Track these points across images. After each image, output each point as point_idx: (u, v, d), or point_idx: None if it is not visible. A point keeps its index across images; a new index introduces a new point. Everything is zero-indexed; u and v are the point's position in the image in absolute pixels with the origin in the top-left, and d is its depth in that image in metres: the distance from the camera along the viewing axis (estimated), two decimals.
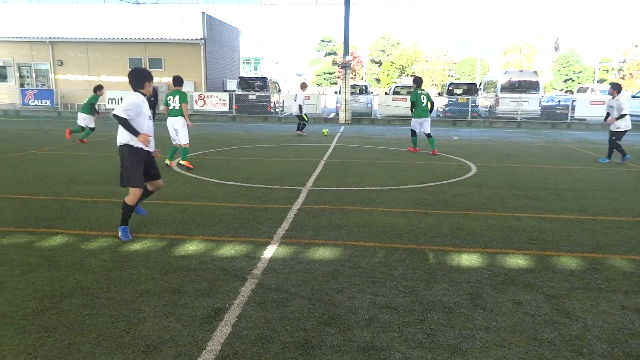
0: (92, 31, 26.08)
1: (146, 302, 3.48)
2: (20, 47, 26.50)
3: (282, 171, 8.96)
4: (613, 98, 10.62)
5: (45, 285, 3.73)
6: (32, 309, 3.35)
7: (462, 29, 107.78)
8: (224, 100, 24.40)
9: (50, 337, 2.98)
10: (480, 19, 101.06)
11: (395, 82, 51.37)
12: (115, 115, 4.68)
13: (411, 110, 11.95)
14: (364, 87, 26.28)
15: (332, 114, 25.29)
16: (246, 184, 7.71)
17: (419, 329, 3.18)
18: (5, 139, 13.97)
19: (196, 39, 25.69)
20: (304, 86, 16.32)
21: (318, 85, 66.52)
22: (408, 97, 24.28)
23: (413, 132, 12.14)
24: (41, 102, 25.56)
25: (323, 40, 76.61)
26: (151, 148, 5.03)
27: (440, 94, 27.48)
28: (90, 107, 12.94)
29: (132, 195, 4.85)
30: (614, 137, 10.66)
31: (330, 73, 69.58)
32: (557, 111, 23.93)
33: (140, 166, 4.90)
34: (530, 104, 22.79)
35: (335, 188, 7.52)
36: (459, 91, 25.25)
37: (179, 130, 9.20)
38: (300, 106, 15.86)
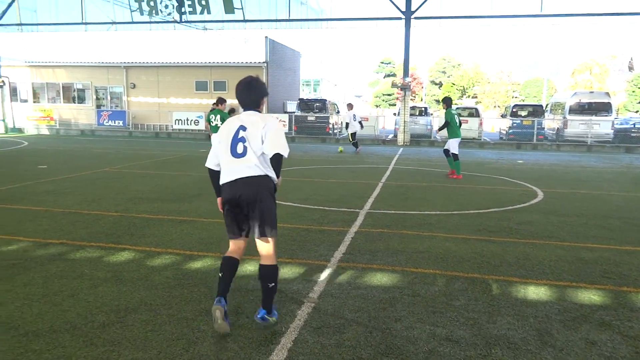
0: (162, 56, 27.57)
1: (205, 321, 3.54)
2: (97, 72, 28.44)
3: (340, 193, 8.95)
4: None
5: (112, 300, 3.89)
6: (100, 322, 3.49)
7: (526, 49, 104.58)
8: (284, 122, 24.91)
9: (115, 351, 3.08)
10: (546, 38, 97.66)
11: (456, 104, 50.50)
12: (281, 156, 3.46)
13: (440, 129, 11.79)
14: (423, 109, 26.00)
15: (391, 136, 25.14)
16: (304, 205, 7.76)
17: None
18: (82, 156, 14.93)
19: (259, 63, 26.52)
20: (350, 106, 17.05)
21: (377, 106, 66.55)
22: (469, 119, 23.82)
23: (455, 156, 11.37)
24: (114, 123, 27.19)
25: (382, 62, 76.84)
26: None
27: (503, 116, 26.67)
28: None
29: (276, 247, 3.56)
30: None
31: (389, 94, 69.50)
32: (632, 134, 22.52)
33: None
34: (601, 126, 21.58)
35: (393, 211, 7.41)
36: (523, 113, 24.40)
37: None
38: (347, 124, 16.83)
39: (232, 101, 25.21)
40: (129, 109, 27.75)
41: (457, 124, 11.38)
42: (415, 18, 22.11)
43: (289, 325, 3.48)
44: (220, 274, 3.44)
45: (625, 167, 14.85)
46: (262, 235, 3.42)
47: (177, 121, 26.22)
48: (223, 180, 3.43)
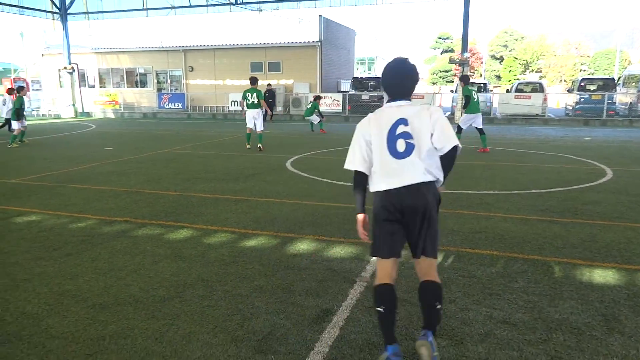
0: (218, 39, 28.07)
1: (259, 297, 3.61)
2: (158, 56, 29.41)
3: None
4: None
5: (172, 275, 4.05)
6: (160, 296, 3.64)
7: (598, 18, 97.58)
8: (338, 101, 24.79)
9: (174, 324, 3.21)
10: (620, 4, 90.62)
11: (518, 79, 48.22)
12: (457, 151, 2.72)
13: (464, 107, 11.77)
14: (482, 85, 25.02)
15: (448, 113, 24.44)
16: None
17: (541, 349, 2.89)
18: (144, 138, 15.58)
19: (313, 42, 26.41)
20: None
21: (433, 83, 64.77)
22: (532, 95, 22.70)
23: (461, 130, 11.79)
24: (174, 105, 28.15)
25: (440, 38, 74.44)
26: None
27: (570, 91, 25.21)
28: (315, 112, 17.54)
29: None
30: None
31: (446, 71, 67.42)
32: None
33: None
34: None
35: (449, 191, 7.21)
36: (592, 87, 22.93)
37: (256, 119, 11.91)
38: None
39: (285, 81, 25.23)
40: (188, 92, 28.57)
41: (474, 100, 11.50)
42: None
43: (341, 304, 3.49)
44: (380, 309, 2.64)
45: None
46: (430, 255, 2.71)
47: (233, 102, 26.75)
48: (380, 187, 2.71)
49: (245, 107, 12.00)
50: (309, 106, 18.41)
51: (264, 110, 12.26)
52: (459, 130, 11.78)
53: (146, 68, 29.84)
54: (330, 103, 24.86)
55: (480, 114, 11.67)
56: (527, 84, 25.22)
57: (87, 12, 28.62)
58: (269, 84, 24.61)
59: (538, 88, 23.66)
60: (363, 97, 24.58)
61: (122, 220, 5.70)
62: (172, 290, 3.75)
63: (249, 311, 3.39)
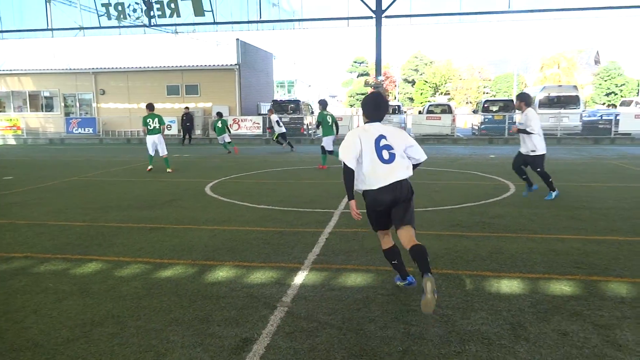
0: (132, 61, 27.16)
1: (175, 331, 3.43)
2: (65, 78, 27.79)
3: (314, 193, 8.90)
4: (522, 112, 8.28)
5: (78, 314, 3.75)
6: (63, 338, 3.35)
7: (497, 45, 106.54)
8: (258, 124, 24.74)
9: None
10: (516, 34, 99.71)
11: (429, 101, 50.98)
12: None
13: (317, 128, 13.07)
14: (397, 107, 26.18)
15: None
16: (278, 207, 7.68)
17: None
18: (50, 166, 14.53)
19: (231, 65, 26.30)
20: (271, 112, 19.04)
21: (351, 106, 66.77)
22: (442, 116, 24.08)
23: (331, 152, 12.67)
24: (84, 130, 26.61)
25: (355, 62, 77.14)
26: None
27: (475, 112, 27.04)
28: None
29: None
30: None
31: (363, 94, 69.79)
32: (600, 126, 23.11)
33: None
34: (570, 119, 22.13)
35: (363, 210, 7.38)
36: (494, 108, 24.78)
37: (158, 144, 12.39)
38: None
39: (203, 104, 24.76)
40: (99, 116, 27.19)
41: (330, 124, 12.68)
42: (386, 17, 22.25)
43: (261, 332, 3.40)
44: (393, 262, 4.10)
45: (594, 158, 15.19)
46: (411, 224, 3.81)
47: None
48: (374, 185, 3.75)
49: (145, 134, 12.54)
50: (219, 125, 17.90)
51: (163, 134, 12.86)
52: (330, 152, 12.67)
53: (52, 91, 28.06)
54: (251, 126, 24.76)
55: (333, 136, 12.80)
56: (437, 105, 26.74)
57: None
58: (187, 107, 24.09)
59: (447, 109, 25.16)
60: (283, 119, 24.73)
61: (21, 256, 5.22)
62: (77, 330, 3.47)
63: (163, 346, 3.21)
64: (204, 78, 26.68)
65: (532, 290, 4.13)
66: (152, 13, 24.06)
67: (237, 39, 26.51)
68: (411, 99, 69.38)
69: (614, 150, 17.75)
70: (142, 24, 24.77)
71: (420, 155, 3.91)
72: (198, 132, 25.50)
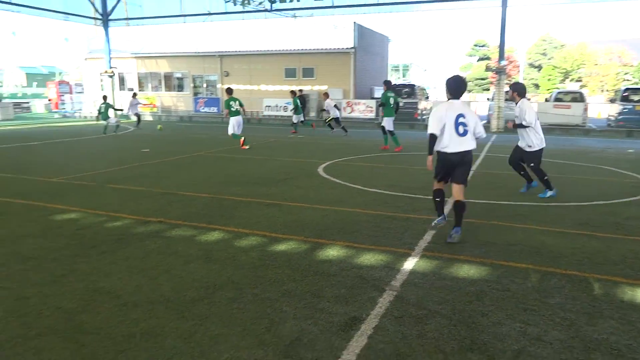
0: (254, 44, 28.45)
1: (287, 302, 3.60)
2: (195, 61, 30.01)
3: (426, 180, 8.67)
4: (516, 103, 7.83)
5: (202, 277, 4.09)
6: (190, 297, 3.69)
7: None
8: (371, 107, 24.69)
9: (203, 325, 3.24)
10: None
11: (557, 88, 47.01)
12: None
13: (381, 110, 13.48)
14: None
15: (483, 122, 24.01)
16: (389, 192, 7.64)
17: None
18: (180, 141, 15.89)
19: (347, 48, 26.42)
20: (326, 95, 18.83)
21: (469, 91, 63.83)
22: (572, 104, 22.07)
23: (392, 132, 13.08)
24: (209, 109, 28.61)
25: (476, 45, 73.35)
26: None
27: (612, 101, 24.36)
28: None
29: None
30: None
31: (482, 79, 66.37)
32: None
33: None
34: None
35: (483, 201, 7.07)
36: (636, 97, 22.08)
37: (239, 125, 13.50)
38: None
39: (319, 87, 25.17)
40: (223, 96, 29.01)
41: (392, 105, 12.86)
42: None
43: (370, 312, 3.44)
44: (437, 200, 5.36)
45: None
46: (463, 183, 5.13)
47: (267, 107, 27.03)
48: (447, 149, 5.03)
49: (228, 115, 13.49)
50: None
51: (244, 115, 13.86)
52: (392, 134, 13.09)
53: (183, 72, 30.48)
54: (364, 109, 24.80)
55: (393, 117, 13.14)
56: (567, 93, 24.53)
57: (128, 18, 29.47)
58: (300, 90, 24.75)
59: (578, 97, 22.96)
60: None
61: (156, 221, 5.81)
62: (202, 291, 3.79)
63: (277, 315, 3.39)
64: (320, 61, 27.15)
65: None
66: None
67: (355, 22, 26.50)
68: (536, 86, 64.40)
69: None
70: (263, 9, 25.82)
71: (483, 133, 5.22)
72: (312, 114, 26.13)
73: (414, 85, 25.47)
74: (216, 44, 29.51)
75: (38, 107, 36.15)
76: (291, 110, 19.61)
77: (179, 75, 30.74)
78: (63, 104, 31.32)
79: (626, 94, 22.38)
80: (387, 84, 13.12)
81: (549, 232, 5.47)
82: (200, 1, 26.82)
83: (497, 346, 3.01)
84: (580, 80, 61.42)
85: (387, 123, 13.05)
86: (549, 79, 61.69)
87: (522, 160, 7.65)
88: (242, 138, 13.50)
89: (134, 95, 20.31)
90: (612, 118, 22.63)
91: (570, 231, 5.53)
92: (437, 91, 48.82)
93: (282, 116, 26.08)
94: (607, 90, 55.25)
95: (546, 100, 28.19)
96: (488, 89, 61.11)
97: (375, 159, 11.82)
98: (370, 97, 27.97)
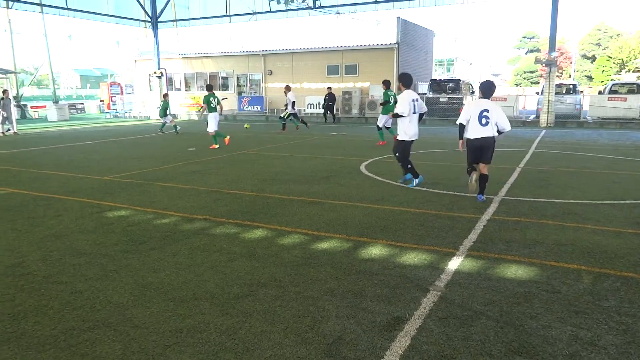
0: (296, 42, 28.67)
1: (330, 300, 3.61)
2: (239, 60, 30.53)
3: None
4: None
5: (246, 274, 4.15)
6: (235, 294, 3.75)
7: None
8: None
9: (247, 322, 3.29)
10: None
11: (612, 80, 44.83)
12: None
13: (382, 107, 13.98)
14: (571, 86, 23.50)
15: (532, 117, 23.19)
16: (433, 189, 7.52)
17: None
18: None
19: (390, 44, 26.16)
20: (287, 88, 18.82)
21: (517, 85, 61.82)
22: (628, 97, 20.98)
23: (379, 128, 13.86)
24: (253, 108, 29.04)
25: (525, 37, 70.98)
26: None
27: None
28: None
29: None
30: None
31: (531, 72, 64.15)
32: None
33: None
34: None
35: (532, 199, 6.83)
36: None
37: (217, 122, 13.83)
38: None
39: (361, 84, 24.95)
40: (266, 95, 29.35)
41: (391, 103, 13.36)
42: None
43: (414, 313, 3.40)
44: (469, 169, 6.80)
45: None
46: (487, 162, 6.63)
47: (309, 105, 27.14)
48: (471, 135, 6.56)
49: (207, 111, 13.92)
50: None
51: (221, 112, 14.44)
52: (387, 128, 13.86)
53: (228, 72, 31.07)
54: None
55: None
56: (623, 85, 23.33)
57: (176, 20, 30.31)
58: (329, 88, 24.68)
59: (636, 89, 21.78)
60: (441, 99, 23.94)
61: (201, 218, 5.95)
62: (246, 288, 3.85)
63: (319, 314, 3.40)
64: (363, 58, 27.01)
65: None
66: None
67: (398, 17, 26.19)
68: (589, 77, 61.59)
69: None
70: (307, 6, 25.92)
71: (507, 126, 6.59)
72: (355, 111, 26.04)
73: (459, 80, 24.90)
74: (260, 43, 29.95)
75: (91, 107, 37.81)
76: (284, 106, 20.18)
77: (223, 74, 31.34)
78: (114, 104, 32.57)
79: None
80: (386, 83, 13.65)
81: (602, 232, 5.22)
82: (245, 1, 27.22)
83: (547, 350, 2.90)
84: (638, 71, 58.23)
85: (382, 119, 13.79)
86: (603, 71, 58.85)
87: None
88: (228, 137, 13.89)
89: (165, 95, 19.96)
90: None
91: (626, 231, 5.26)
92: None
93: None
94: None
95: (600, 92, 26.91)
96: (537, 83, 58.98)
97: (420, 156, 11.65)
98: None
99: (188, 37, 31.82)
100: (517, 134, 17.00)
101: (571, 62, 59.46)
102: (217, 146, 13.54)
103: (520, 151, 12.25)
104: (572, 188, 7.56)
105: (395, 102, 14.21)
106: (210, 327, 3.23)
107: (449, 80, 25.78)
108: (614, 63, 59.08)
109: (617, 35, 62.30)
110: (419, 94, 26.85)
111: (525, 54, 70.25)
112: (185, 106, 31.34)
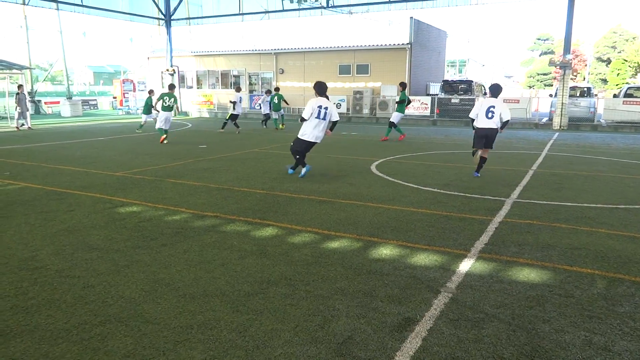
0: (308, 41, 28.68)
1: (340, 300, 3.60)
2: (251, 59, 30.62)
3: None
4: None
5: (257, 272, 4.16)
6: (245, 291, 3.76)
7: None
8: (426, 104, 24.26)
9: (257, 320, 3.29)
10: None
11: (627, 83, 44.28)
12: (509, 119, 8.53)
13: (397, 107, 15.21)
14: (586, 89, 23.25)
15: (545, 119, 22.98)
16: (444, 190, 7.47)
17: None
18: (236, 137, 16.23)
19: (402, 44, 26.07)
20: (239, 89, 19.25)
21: (530, 87, 61.31)
22: None
23: (394, 124, 15.16)
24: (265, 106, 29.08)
25: (539, 39, 70.36)
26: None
27: None
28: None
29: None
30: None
31: (545, 74, 63.58)
32: None
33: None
34: None
35: (545, 202, 6.76)
36: None
37: (169, 121, 14.39)
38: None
39: (372, 84, 24.93)
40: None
41: (404, 103, 14.98)
42: None
43: (424, 314, 3.37)
44: (474, 149, 8.76)
45: None
46: (489, 147, 8.50)
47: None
48: (480, 125, 8.38)
49: (159, 109, 14.39)
50: (275, 100, 20.61)
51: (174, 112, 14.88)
52: (394, 125, 15.16)
53: (240, 70, 31.16)
54: (418, 106, 24.38)
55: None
56: (639, 88, 23.05)
57: (189, 18, 30.47)
58: (277, 89, 24.28)
59: None
60: (453, 100, 23.81)
61: (212, 215, 5.97)
62: (256, 286, 3.86)
63: (329, 313, 3.39)
64: (375, 58, 26.95)
65: None
66: None
67: (411, 17, 26.09)
68: (604, 81, 60.91)
69: None
70: (320, 5, 25.92)
71: (506, 116, 8.29)
72: (365, 111, 26.00)
73: (471, 82, 24.76)
74: (272, 41, 30.00)
75: (104, 104, 38.13)
76: (262, 102, 21.27)
77: (235, 72, 31.44)
78: (127, 101, 32.83)
79: None
80: (402, 85, 14.94)
81: (617, 236, 5.15)
82: (259, 0, 27.29)
83: (559, 355, 2.87)
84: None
85: (395, 117, 15.11)
86: (618, 74, 58.16)
87: (308, 148, 8.69)
88: (164, 136, 14.24)
89: (150, 92, 18.22)
90: None
91: None
92: None
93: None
94: None
95: (614, 96, 26.59)
96: (550, 85, 58.45)
97: (431, 157, 11.59)
98: (425, 93, 27.49)
99: (201, 35, 32.01)
100: (530, 137, 16.85)
101: (586, 65, 58.86)
102: (166, 142, 14.16)
103: (533, 154, 12.14)
104: (586, 192, 7.48)
105: (409, 102, 15.37)
106: (221, 324, 3.23)
107: (461, 82, 25.64)
108: (629, 66, 58.35)
109: (633, 38, 61.53)
110: (430, 95, 26.58)
111: (539, 55, 69.62)
112: (197, 104, 31.49)
